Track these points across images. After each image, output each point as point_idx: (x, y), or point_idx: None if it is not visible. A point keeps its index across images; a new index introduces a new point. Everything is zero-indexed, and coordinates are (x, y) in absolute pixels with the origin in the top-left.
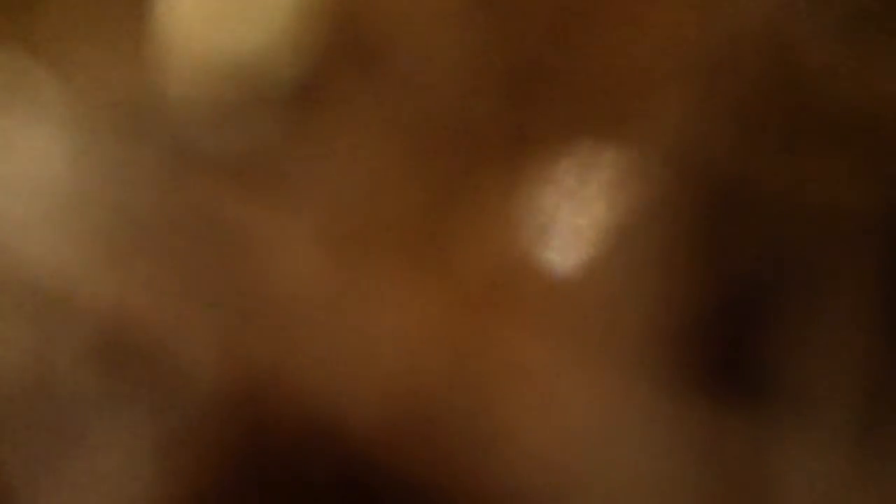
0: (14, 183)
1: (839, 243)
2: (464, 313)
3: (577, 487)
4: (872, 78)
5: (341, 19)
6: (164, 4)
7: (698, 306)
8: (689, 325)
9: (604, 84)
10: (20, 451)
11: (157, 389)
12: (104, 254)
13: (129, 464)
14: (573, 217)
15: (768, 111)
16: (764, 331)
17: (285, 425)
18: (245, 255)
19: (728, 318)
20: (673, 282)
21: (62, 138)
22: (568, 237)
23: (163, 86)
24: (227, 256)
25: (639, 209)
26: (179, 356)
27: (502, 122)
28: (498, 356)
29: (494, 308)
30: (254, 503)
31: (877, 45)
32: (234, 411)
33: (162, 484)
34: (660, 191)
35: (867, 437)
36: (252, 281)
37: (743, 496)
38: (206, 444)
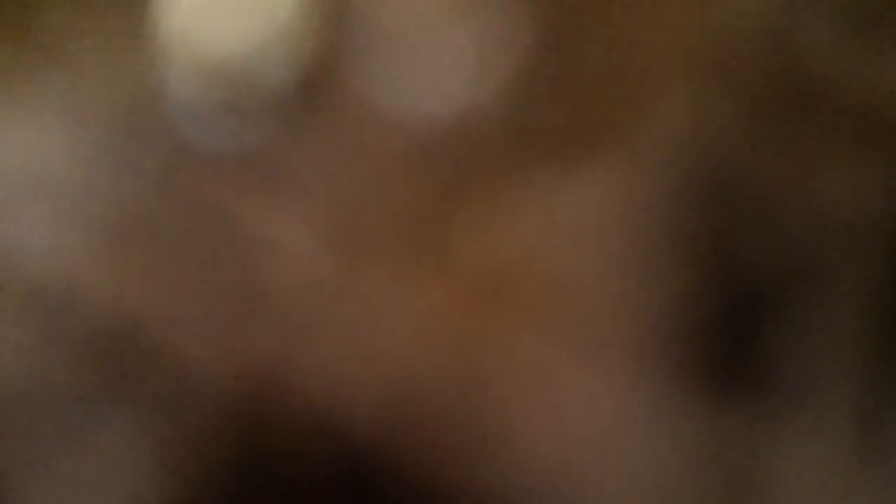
0: (14, 180)
1: (841, 240)
2: (464, 313)
3: (577, 486)
4: (878, 75)
5: (339, 19)
6: (164, 3)
7: (700, 305)
8: (690, 325)
9: (608, 83)
10: (20, 450)
11: (157, 388)
12: (104, 253)
13: (129, 463)
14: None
15: (772, 109)
16: (764, 329)
17: (285, 423)
18: (245, 254)
19: (729, 316)
20: (674, 281)
21: (62, 135)
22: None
23: (162, 84)
24: (228, 255)
25: (641, 208)
26: (179, 355)
27: (504, 123)
28: (498, 356)
29: (495, 308)
30: (254, 502)
31: (882, 42)
32: (235, 409)
33: (162, 483)
34: (662, 190)
35: (866, 432)
36: (252, 279)
37: (743, 494)
38: (206, 443)
